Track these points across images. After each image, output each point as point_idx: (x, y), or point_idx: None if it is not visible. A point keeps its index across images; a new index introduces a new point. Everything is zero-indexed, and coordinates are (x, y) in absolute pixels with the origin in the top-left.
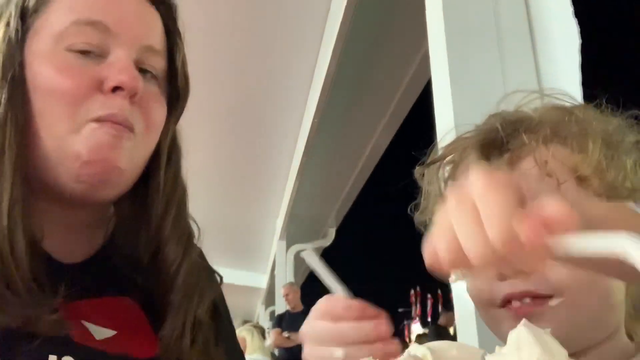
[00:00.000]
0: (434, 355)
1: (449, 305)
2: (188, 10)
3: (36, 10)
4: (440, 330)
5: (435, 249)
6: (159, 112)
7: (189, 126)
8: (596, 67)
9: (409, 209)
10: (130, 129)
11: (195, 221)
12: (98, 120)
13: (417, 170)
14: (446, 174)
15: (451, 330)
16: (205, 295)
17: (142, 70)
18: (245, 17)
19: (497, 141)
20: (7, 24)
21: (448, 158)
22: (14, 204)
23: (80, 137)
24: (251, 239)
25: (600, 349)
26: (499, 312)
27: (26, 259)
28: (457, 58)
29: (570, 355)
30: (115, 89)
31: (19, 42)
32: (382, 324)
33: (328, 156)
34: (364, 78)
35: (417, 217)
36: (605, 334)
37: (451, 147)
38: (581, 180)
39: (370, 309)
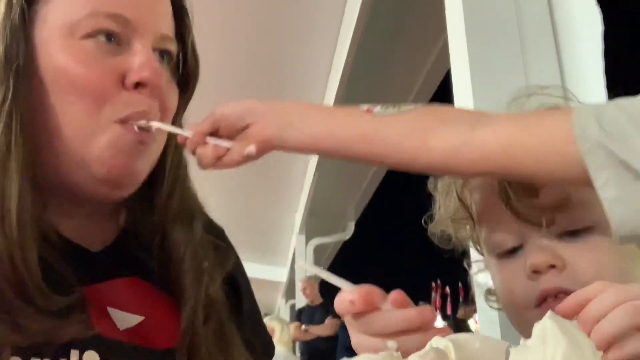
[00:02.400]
0: (457, 347)
1: (468, 298)
2: None
3: None
4: (459, 323)
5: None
6: (173, 98)
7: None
8: (619, 56)
9: (422, 221)
10: (150, 128)
11: (197, 195)
12: (122, 121)
13: (431, 183)
14: (460, 182)
15: (470, 323)
16: (215, 274)
17: (160, 56)
18: (262, 11)
19: None
20: (9, 6)
21: None
22: (22, 206)
23: (104, 141)
24: (271, 233)
25: None
26: (534, 315)
27: (37, 265)
28: (478, 55)
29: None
30: (138, 84)
31: (24, 29)
32: (426, 311)
33: None
34: (382, 71)
35: (431, 229)
36: None
37: None
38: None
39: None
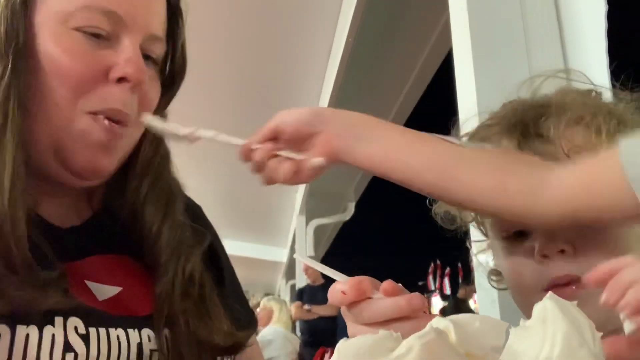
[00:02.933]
0: (457, 328)
1: (468, 278)
2: None
3: None
4: (459, 303)
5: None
6: (154, 95)
7: (208, 107)
8: (623, 45)
9: (427, 201)
10: (125, 122)
11: (177, 180)
12: (94, 114)
13: None
14: None
15: (470, 303)
16: (192, 252)
17: (145, 56)
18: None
19: (527, 126)
20: None
21: (473, 146)
22: (15, 181)
23: (75, 131)
24: (271, 214)
25: None
26: (542, 298)
27: (26, 238)
28: (480, 38)
29: (609, 332)
30: (121, 79)
31: (24, 11)
32: (415, 298)
33: None
34: (382, 51)
35: (435, 209)
36: None
37: (475, 136)
38: None
39: (402, 288)
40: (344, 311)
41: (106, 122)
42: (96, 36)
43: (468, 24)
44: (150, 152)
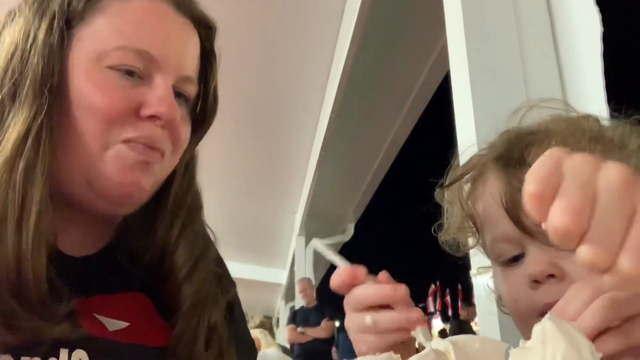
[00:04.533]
0: (457, 349)
1: (469, 300)
2: (205, 5)
3: (83, 18)
4: (461, 325)
5: (561, 192)
6: (186, 133)
7: None
8: (619, 59)
9: (432, 230)
10: (161, 154)
11: (210, 228)
12: (128, 141)
13: (438, 193)
14: (464, 192)
15: (472, 325)
16: (219, 301)
17: (177, 94)
18: (262, 13)
19: (511, 155)
20: (50, 27)
21: (467, 176)
22: (40, 221)
23: (109, 157)
24: (271, 235)
25: None
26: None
27: (44, 276)
28: (477, 62)
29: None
30: (152, 117)
31: (61, 51)
32: (400, 288)
33: (346, 151)
34: (381, 72)
35: (441, 237)
36: None
37: (468, 166)
38: None
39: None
40: (345, 301)
41: (140, 146)
42: (129, 74)
43: (465, 53)
44: (183, 188)
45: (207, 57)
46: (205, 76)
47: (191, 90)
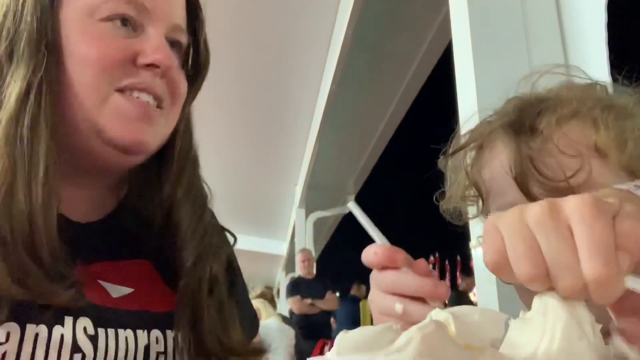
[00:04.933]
0: (456, 320)
1: (468, 271)
2: None
3: None
4: (460, 296)
5: (510, 254)
6: (183, 85)
7: (206, 97)
8: (624, 37)
9: (434, 198)
10: (160, 101)
11: (207, 184)
12: (126, 89)
13: (441, 161)
14: (469, 160)
15: (471, 295)
16: (220, 253)
17: (171, 44)
18: None
19: (522, 123)
20: None
21: (473, 144)
22: (49, 175)
23: (109, 110)
24: (271, 207)
25: None
26: None
27: (56, 231)
28: (480, 32)
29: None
30: (149, 65)
31: (53, 9)
32: (442, 285)
33: (346, 123)
34: (382, 42)
35: (443, 205)
36: None
37: (475, 134)
38: (602, 155)
39: (433, 273)
40: (373, 274)
41: (136, 96)
42: (123, 23)
43: (468, 20)
44: (186, 145)
45: (194, 9)
46: (193, 28)
47: (183, 39)
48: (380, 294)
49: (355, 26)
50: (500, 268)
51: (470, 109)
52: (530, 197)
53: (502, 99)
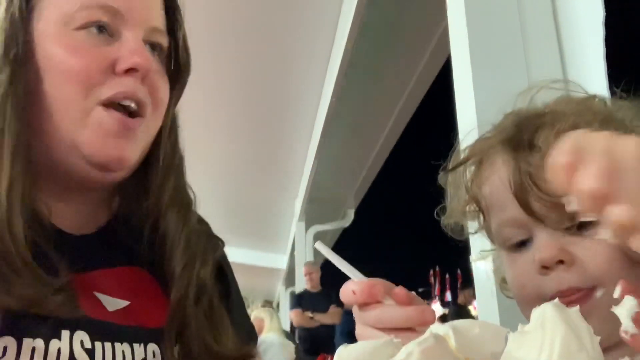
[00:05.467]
0: (456, 333)
1: (466, 283)
2: None
3: None
4: (460, 310)
5: (587, 178)
6: (165, 90)
7: (207, 110)
8: (622, 51)
9: (435, 213)
10: (141, 111)
11: (192, 189)
12: (108, 102)
13: (441, 177)
14: (469, 175)
15: (470, 309)
16: (207, 259)
17: (151, 47)
18: None
19: (521, 138)
20: (10, 0)
21: (472, 159)
22: (12, 185)
23: (90, 124)
24: (271, 221)
25: None
26: None
27: (24, 239)
28: (479, 45)
29: (615, 344)
30: (128, 70)
31: (23, 21)
32: (428, 310)
33: (346, 136)
34: (382, 56)
35: (444, 221)
36: None
37: (474, 149)
38: None
39: (415, 297)
40: (354, 311)
41: (118, 113)
42: (99, 30)
43: (467, 35)
44: (170, 151)
45: (172, 10)
46: (173, 29)
47: (162, 41)
48: (367, 330)
49: (355, 39)
50: (567, 170)
51: (469, 124)
52: (531, 213)
53: (500, 114)
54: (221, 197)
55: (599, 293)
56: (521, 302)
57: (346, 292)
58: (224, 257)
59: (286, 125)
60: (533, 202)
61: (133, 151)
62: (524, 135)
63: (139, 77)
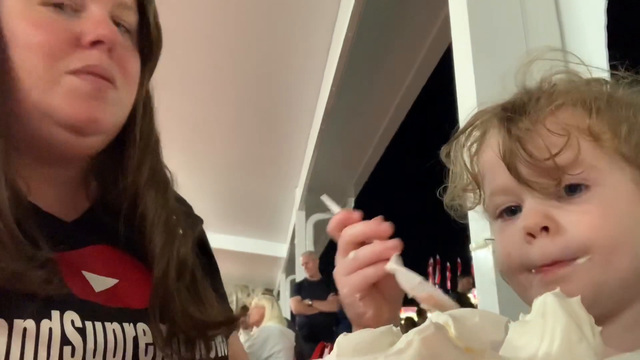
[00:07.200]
0: (456, 322)
1: (466, 271)
2: None
3: None
4: (460, 299)
5: None
6: (135, 64)
7: (208, 101)
8: (622, 26)
9: (437, 193)
10: (112, 81)
11: (167, 168)
12: (75, 72)
13: (443, 150)
14: (472, 151)
15: (470, 297)
16: (187, 236)
17: (116, 24)
18: None
19: (514, 108)
20: None
21: (473, 134)
22: None
23: (61, 91)
24: (271, 210)
25: (629, 313)
26: (528, 277)
27: (10, 210)
28: (478, 21)
29: (598, 317)
30: (94, 43)
31: None
32: (380, 223)
33: (347, 125)
34: (382, 45)
35: (446, 200)
36: (635, 296)
37: (473, 118)
38: (595, 139)
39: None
40: (338, 245)
41: (90, 76)
42: (60, 7)
43: (467, 15)
44: (146, 130)
45: None
46: (142, 6)
47: (130, 17)
48: (339, 260)
49: (356, 28)
50: None
51: (469, 103)
52: (519, 177)
53: (500, 93)
54: (223, 186)
55: (581, 260)
56: (506, 271)
57: (330, 221)
58: (203, 233)
59: (287, 115)
60: (521, 167)
61: (106, 115)
62: (519, 104)
63: (105, 50)
